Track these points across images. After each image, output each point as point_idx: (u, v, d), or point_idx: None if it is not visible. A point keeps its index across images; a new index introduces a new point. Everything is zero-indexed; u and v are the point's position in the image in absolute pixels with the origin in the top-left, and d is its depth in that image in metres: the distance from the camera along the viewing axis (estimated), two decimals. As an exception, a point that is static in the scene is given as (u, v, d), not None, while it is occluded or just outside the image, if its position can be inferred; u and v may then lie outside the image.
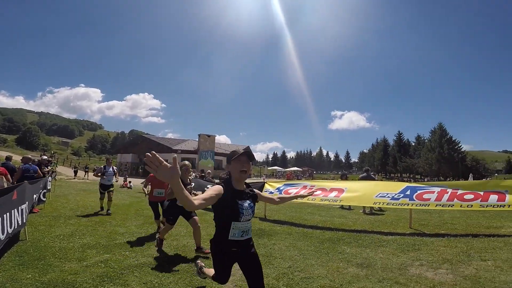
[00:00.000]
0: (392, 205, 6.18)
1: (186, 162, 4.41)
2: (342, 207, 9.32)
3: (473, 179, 28.24)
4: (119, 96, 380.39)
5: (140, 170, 34.29)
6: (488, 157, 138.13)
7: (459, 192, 5.63)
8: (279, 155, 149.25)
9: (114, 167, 7.85)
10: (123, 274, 3.35)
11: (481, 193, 5.38)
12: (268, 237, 5.30)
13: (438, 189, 6.04)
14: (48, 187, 8.36)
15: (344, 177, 11.87)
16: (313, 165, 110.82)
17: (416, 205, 5.91)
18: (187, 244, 4.68)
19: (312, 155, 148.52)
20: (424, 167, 60.51)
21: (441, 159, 56.28)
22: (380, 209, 9.00)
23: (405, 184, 6.68)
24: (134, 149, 38.87)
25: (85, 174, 25.17)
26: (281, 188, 7.84)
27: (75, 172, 25.61)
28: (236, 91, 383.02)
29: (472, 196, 5.37)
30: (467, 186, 5.94)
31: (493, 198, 5.11)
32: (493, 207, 5.03)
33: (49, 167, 11.13)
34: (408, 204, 5.98)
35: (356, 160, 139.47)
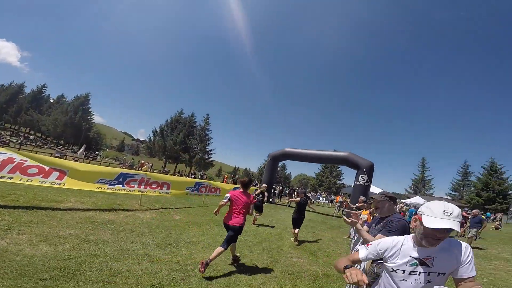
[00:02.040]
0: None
1: None
2: None
3: (85, 151, 31.30)
4: None
5: None
6: (111, 134, 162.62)
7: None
8: None
9: None
10: None
11: (46, 168, 5.88)
12: None
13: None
14: None
15: None
16: None
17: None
18: None
19: None
20: (49, 127, 57.11)
21: (69, 124, 56.52)
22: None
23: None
24: None
25: None
26: None
27: None
28: None
29: (36, 171, 5.73)
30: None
31: (55, 175, 5.90)
32: (51, 184, 5.78)
33: None
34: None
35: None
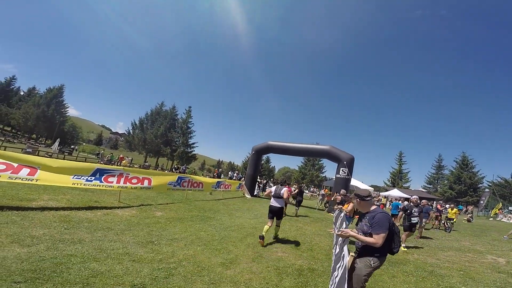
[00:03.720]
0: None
1: None
2: None
3: (59, 146, 29.80)
4: None
5: None
6: (87, 127, 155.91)
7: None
8: None
9: None
10: None
11: (15, 165, 5.50)
12: None
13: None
14: None
15: None
16: None
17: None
18: None
19: None
20: (20, 121, 53.87)
21: (42, 117, 53.53)
22: None
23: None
24: None
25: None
26: None
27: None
28: None
29: (4, 167, 5.32)
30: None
31: (25, 171, 5.51)
32: (22, 180, 5.40)
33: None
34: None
35: None
